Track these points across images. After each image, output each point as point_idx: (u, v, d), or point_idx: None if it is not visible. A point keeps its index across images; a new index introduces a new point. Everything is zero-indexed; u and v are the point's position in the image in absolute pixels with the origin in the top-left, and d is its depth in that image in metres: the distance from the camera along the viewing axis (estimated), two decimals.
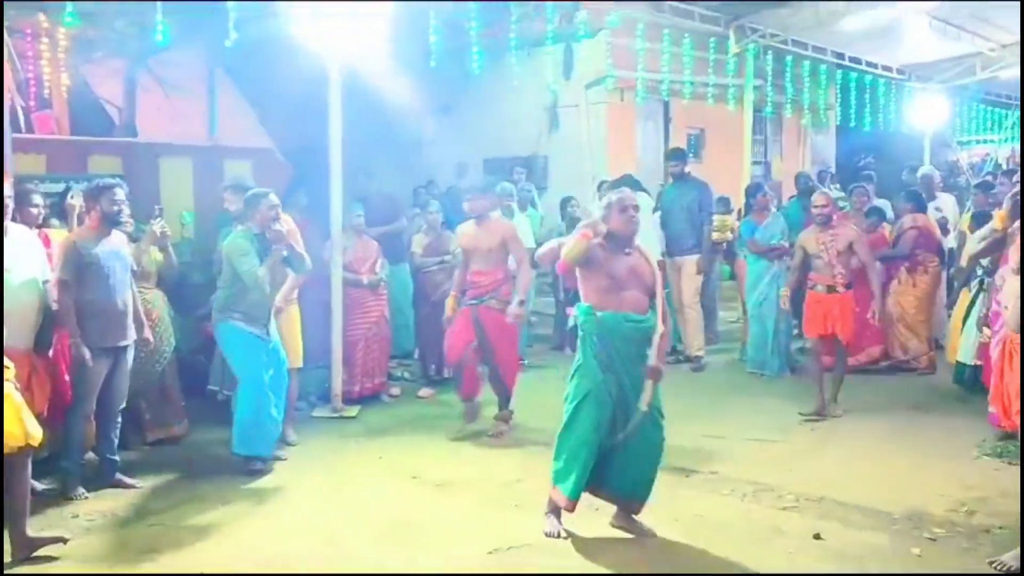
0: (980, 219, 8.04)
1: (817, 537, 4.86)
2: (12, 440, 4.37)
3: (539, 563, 4.61)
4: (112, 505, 5.44)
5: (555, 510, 4.97)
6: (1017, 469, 5.95)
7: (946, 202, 10.56)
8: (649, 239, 8.98)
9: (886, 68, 16.50)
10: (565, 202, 10.46)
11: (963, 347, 7.83)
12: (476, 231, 6.92)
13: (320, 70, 7.59)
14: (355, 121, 7.93)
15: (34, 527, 4.74)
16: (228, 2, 8.26)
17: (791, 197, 12.12)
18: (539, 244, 10.14)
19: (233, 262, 5.97)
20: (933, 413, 7.46)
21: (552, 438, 4.98)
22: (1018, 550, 4.44)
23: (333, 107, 7.54)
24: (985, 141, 21.44)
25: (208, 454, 6.50)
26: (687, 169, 9.53)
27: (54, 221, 6.32)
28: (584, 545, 4.83)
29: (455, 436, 6.84)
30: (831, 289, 7.24)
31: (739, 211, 11.36)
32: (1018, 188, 4.67)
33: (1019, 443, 6.29)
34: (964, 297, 7.91)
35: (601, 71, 13.40)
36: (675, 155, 9.75)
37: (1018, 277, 4.71)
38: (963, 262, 7.85)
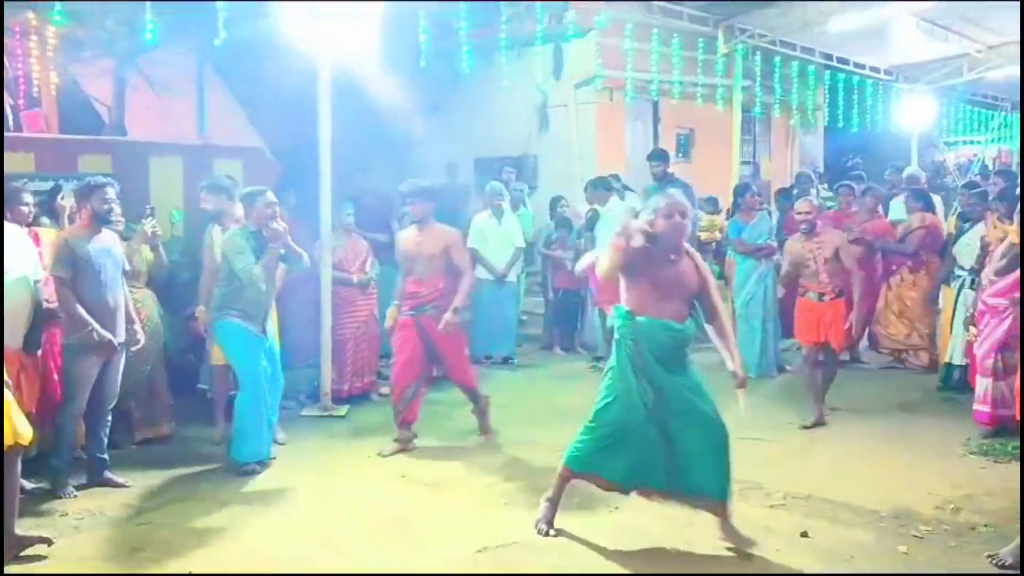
0: (966, 219, 8.13)
1: (804, 535, 4.89)
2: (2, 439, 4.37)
3: (528, 561, 4.62)
4: (101, 504, 5.44)
5: (552, 500, 4.94)
6: (1002, 467, 6.03)
7: (933, 202, 10.61)
8: None
9: (874, 69, 16.59)
10: (555, 202, 10.49)
11: (951, 347, 7.91)
12: (418, 237, 6.62)
13: (310, 69, 7.59)
14: (345, 121, 7.93)
15: (23, 526, 4.74)
16: (218, 1, 8.25)
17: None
18: (530, 244, 10.23)
19: (229, 260, 5.98)
20: (921, 412, 7.51)
21: (540, 437, 5.00)
22: (1015, 544, 4.48)
23: (323, 106, 7.54)
24: (972, 142, 21.55)
25: (197, 453, 6.49)
26: (670, 170, 9.56)
27: (44, 220, 6.31)
28: (572, 543, 4.82)
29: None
30: (822, 297, 7.16)
31: (727, 211, 11.40)
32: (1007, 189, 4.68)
33: (1004, 442, 6.38)
34: (949, 296, 7.98)
35: (590, 71, 13.43)
36: (657, 156, 9.75)
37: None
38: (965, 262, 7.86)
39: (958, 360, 7.82)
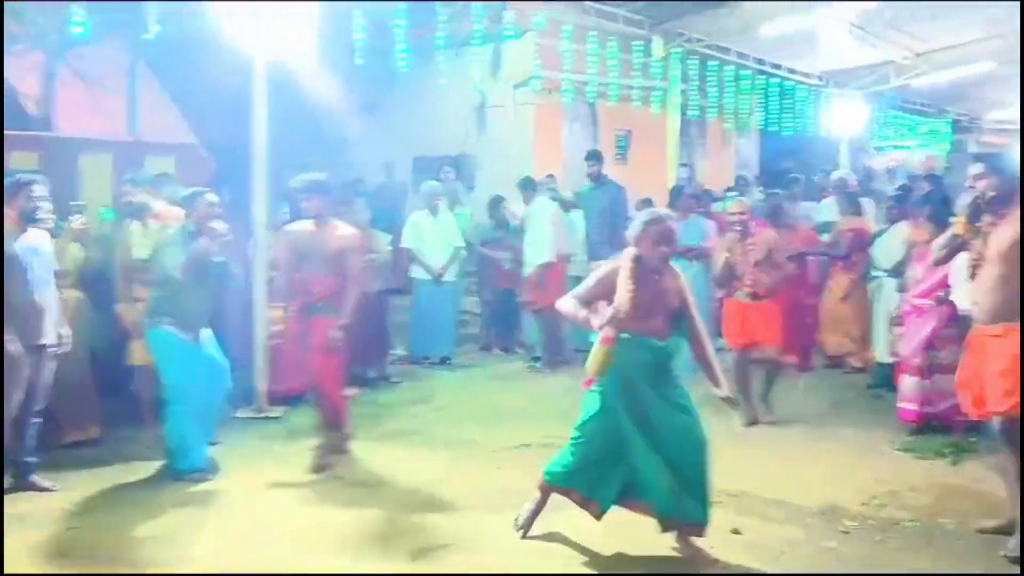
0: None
1: (736, 532, 4.98)
2: None
3: (463, 562, 4.62)
4: (27, 508, 5.30)
5: (533, 511, 4.92)
6: (927, 463, 6.22)
7: (864, 206, 10.85)
8: (545, 244, 9.01)
9: (804, 74, 16.87)
10: (495, 201, 10.46)
11: (878, 346, 8.12)
12: (313, 232, 6.23)
13: (244, 66, 7.50)
14: (280, 118, 7.84)
15: None
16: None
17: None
18: (468, 243, 10.20)
19: (160, 256, 5.86)
20: (850, 410, 7.69)
21: (479, 437, 5.00)
22: (1016, 538, 4.63)
23: (258, 103, 7.46)
24: (901, 147, 22.04)
25: (125, 455, 6.35)
26: (604, 171, 9.63)
27: None
28: (521, 544, 4.82)
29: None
30: (754, 297, 7.19)
31: None
32: (975, 195, 4.76)
33: (929, 439, 6.56)
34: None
35: (528, 72, 13.44)
36: (591, 156, 9.80)
37: (983, 273, 4.74)
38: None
39: (883, 358, 8.02)
